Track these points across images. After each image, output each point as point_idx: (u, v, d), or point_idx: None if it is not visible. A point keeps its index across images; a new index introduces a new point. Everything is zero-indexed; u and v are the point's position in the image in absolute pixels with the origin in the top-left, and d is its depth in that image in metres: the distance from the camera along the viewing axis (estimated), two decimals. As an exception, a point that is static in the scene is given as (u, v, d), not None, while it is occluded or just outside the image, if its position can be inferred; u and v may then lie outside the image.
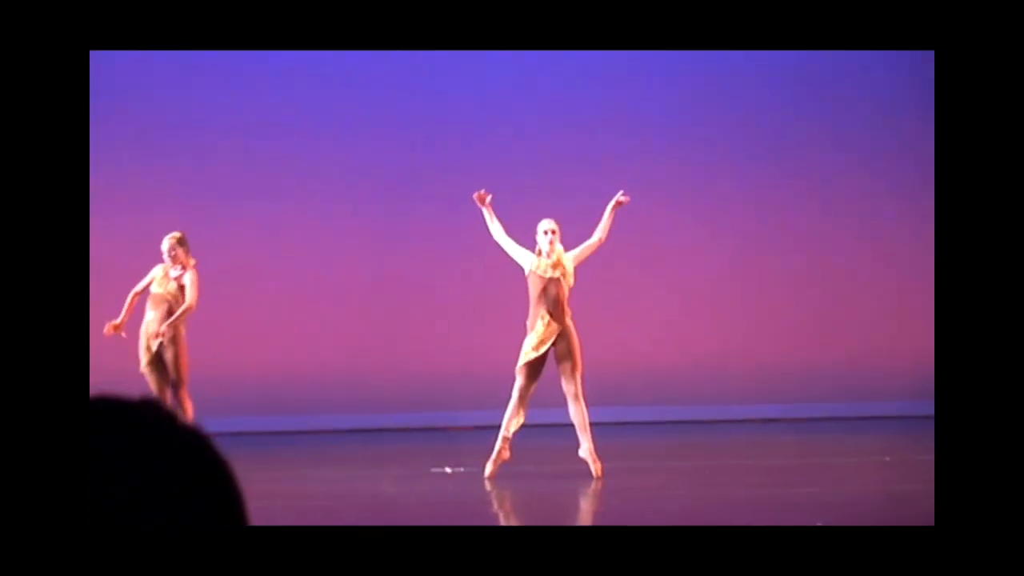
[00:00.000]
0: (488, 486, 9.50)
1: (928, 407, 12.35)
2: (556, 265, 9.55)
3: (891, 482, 9.68)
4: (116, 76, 12.99)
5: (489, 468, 9.61)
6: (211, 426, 2.04)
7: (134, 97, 13.36)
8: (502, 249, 9.75)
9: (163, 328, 10.07)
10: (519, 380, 9.56)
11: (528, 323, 9.64)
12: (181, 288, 10.22)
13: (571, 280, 9.61)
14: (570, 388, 9.53)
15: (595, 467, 9.50)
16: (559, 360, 9.56)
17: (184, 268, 10.22)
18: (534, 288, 9.57)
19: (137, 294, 10.39)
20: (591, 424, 9.58)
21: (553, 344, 9.54)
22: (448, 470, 10.24)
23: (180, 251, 10.24)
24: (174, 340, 10.17)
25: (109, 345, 10.60)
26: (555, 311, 9.52)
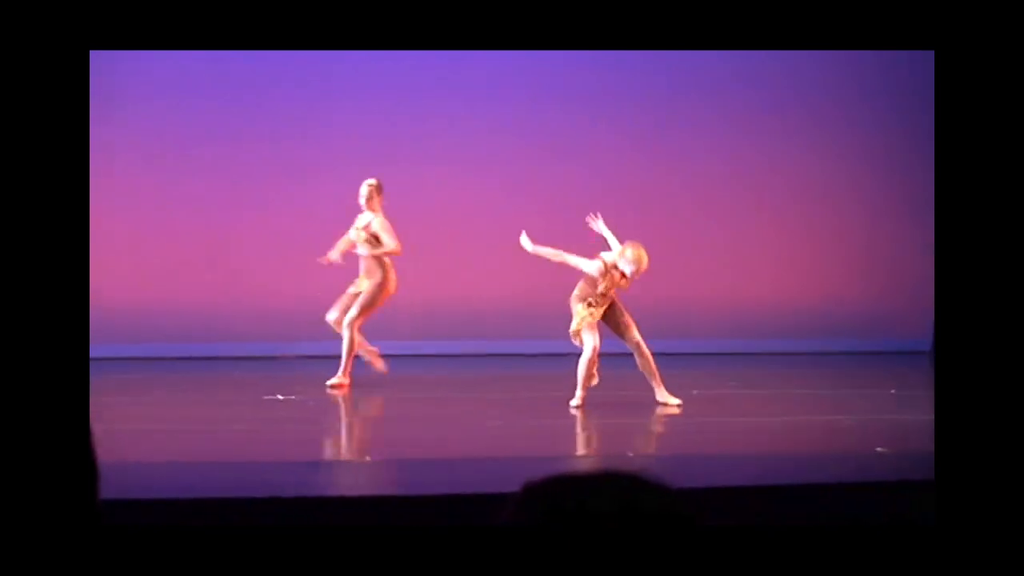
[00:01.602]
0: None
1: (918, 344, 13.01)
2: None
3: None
4: (116, 76, 13.13)
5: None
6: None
7: (132, 96, 13.50)
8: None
9: None
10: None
11: (577, 295, 10.15)
12: None
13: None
14: (632, 340, 10.16)
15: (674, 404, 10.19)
16: (617, 319, 10.18)
17: None
18: (595, 284, 10.06)
19: None
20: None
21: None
22: (280, 397, 10.71)
23: None
24: None
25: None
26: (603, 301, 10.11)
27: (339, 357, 11.43)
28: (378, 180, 11.52)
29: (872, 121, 14.52)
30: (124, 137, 13.43)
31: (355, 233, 11.49)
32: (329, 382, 11.40)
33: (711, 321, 14.14)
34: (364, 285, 11.44)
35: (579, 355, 10.11)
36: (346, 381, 11.40)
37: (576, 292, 10.15)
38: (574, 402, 10.12)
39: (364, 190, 11.47)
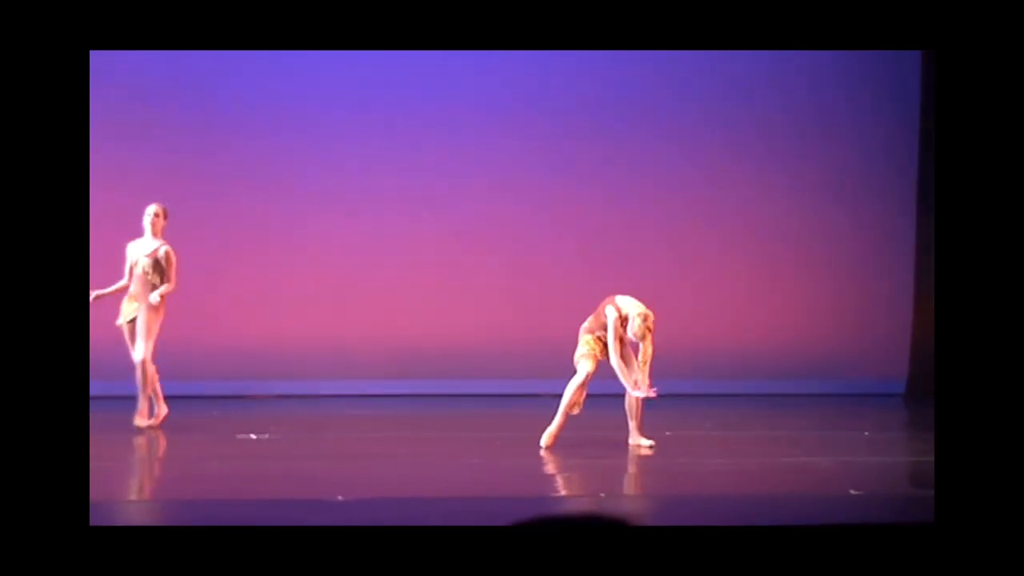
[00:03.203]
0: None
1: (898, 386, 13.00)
2: (643, 338, 10.10)
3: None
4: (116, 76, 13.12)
5: (547, 440, 10.08)
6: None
7: (132, 95, 13.50)
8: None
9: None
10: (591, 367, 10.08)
11: (587, 327, 10.18)
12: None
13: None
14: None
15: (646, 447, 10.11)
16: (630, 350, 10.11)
17: None
18: (614, 333, 10.03)
19: None
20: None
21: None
22: (253, 436, 10.59)
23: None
24: None
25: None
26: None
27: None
28: (163, 206, 11.29)
29: (845, 161, 14.56)
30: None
31: (144, 261, 11.13)
32: (146, 423, 11.12)
33: (683, 363, 14.12)
34: (134, 309, 11.12)
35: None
36: (163, 412, 11.19)
37: (585, 324, 10.19)
38: (548, 431, 10.03)
39: (149, 218, 11.18)
